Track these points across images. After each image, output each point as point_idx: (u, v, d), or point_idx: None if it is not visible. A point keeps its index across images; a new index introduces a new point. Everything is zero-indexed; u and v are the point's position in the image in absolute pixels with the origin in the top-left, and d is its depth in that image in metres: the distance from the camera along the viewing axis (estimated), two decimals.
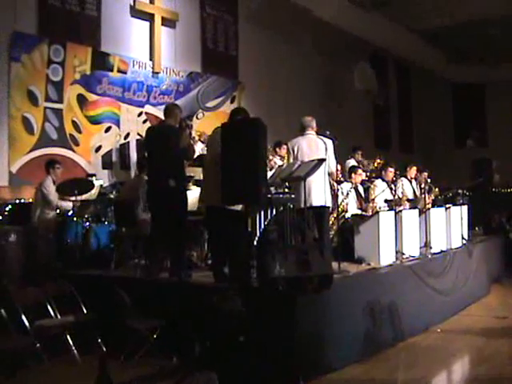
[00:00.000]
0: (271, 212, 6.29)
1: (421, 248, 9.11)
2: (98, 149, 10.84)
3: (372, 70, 16.53)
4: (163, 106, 11.63)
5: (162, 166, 7.08)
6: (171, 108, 7.55)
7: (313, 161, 6.96)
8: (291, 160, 7.58)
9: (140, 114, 11.58)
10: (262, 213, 6.29)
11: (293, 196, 6.61)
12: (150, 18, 11.81)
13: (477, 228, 13.32)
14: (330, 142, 7.60)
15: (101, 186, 9.49)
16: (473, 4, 15.46)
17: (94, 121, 10.78)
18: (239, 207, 6.44)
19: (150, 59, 11.81)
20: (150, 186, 7.31)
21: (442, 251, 9.45)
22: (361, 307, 6.83)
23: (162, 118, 7.88)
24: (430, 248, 9.23)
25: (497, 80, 20.61)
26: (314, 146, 7.54)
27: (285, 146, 8.84)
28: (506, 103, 21.07)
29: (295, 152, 7.57)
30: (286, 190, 6.75)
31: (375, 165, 11.44)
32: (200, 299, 6.35)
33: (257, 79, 14.00)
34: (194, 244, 8.15)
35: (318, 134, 7.73)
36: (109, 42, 11.02)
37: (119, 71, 11.22)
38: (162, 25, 11.99)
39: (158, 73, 11.89)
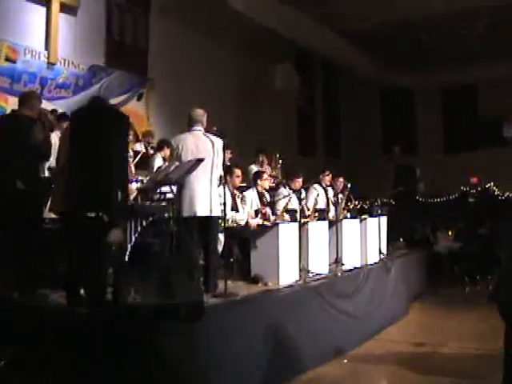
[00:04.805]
0: (136, 223, 5.16)
1: (330, 265, 8.15)
2: None
3: (294, 70, 15.66)
4: (60, 101, 10.70)
5: (9, 163, 5.89)
6: (29, 95, 6.37)
7: (189, 161, 5.82)
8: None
9: None
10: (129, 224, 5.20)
11: (164, 204, 5.47)
12: (46, 2, 10.57)
13: (401, 239, 12.62)
14: (219, 142, 6.49)
15: None
16: (402, 8, 14.88)
17: None
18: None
19: (46, 48, 10.57)
20: None
21: (355, 268, 8.54)
22: (255, 336, 5.83)
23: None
24: (342, 265, 8.28)
25: (426, 85, 20.15)
26: (201, 145, 6.36)
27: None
28: (435, 109, 20.68)
29: (179, 150, 6.37)
30: (162, 197, 5.58)
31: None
32: (54, 324, 5.29)
33: (169, 76, 12.85)
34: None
35: (206, 131, 6.60)
36: None
37: (8, 60, 9.96)
38: (61, 11, 10.76)
39: (53, 64, 10.65)
